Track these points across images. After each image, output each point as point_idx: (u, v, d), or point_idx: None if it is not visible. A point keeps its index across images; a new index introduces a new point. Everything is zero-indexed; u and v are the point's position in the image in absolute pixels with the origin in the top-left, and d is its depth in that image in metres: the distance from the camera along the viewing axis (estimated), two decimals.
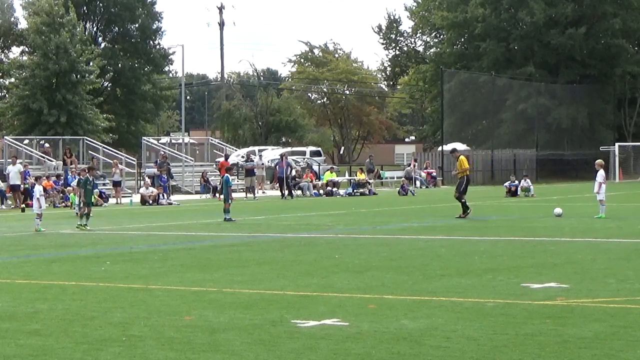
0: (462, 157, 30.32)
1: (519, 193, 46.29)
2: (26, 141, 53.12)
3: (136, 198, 45.19)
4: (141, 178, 50.75)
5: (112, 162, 49.25)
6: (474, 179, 68.95)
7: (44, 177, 44.17)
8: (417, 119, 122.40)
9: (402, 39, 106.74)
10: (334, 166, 64.99)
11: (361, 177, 53.36)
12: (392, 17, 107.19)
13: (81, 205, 27.95)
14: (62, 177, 44.75)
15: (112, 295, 13.37)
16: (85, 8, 78.39)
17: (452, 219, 28.90)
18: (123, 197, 45.64)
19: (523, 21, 79.19)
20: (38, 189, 27.68)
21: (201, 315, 11.48)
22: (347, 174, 60.80)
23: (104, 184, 47.71)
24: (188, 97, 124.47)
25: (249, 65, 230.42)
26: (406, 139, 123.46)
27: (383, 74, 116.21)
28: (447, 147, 69.97)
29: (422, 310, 11.66)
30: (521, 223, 27.23)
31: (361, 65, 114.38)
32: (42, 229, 26.10)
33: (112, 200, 44.88)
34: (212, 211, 34.58)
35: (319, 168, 60.88)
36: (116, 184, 45.99)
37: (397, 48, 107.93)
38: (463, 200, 29.29)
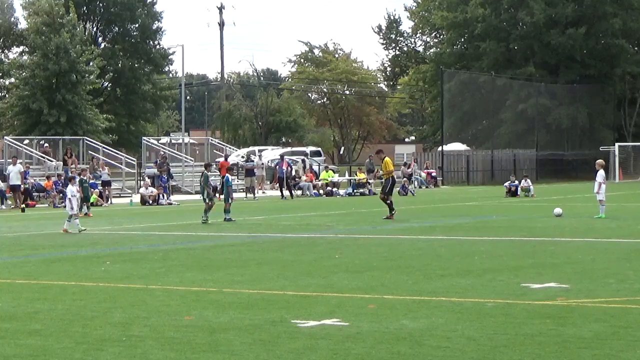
0: (387, 158, 30.35)
1: (519, 193, 46.28)
2: (26, 141, 53.08)
3: (136, 198, 45.20)
4: (141, 178, 50.76)
5: (113, 162, 49.26)
6: (474, 179, 69.23)
7: (46, 177, 44.26)
8: (417, 119, 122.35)
9: (402, 39, 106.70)
10: (331, 166, 64.90)
11: (361, 177, 53.36)
12: (392, 17, 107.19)
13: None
14: (62, 177, 44.74)
15: (112, 295, 13.37)
16: (85, 8, 78.23)
17: (452, 219, 28.89)
18: (123, 196, 45.59)
19: (523, 21, 79.18)
20: (70, 190, 26.41)
21: (201, 315, 11.48)
22: (347, 174, 60.78)
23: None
24: (188, 97, 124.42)
25: (249, 66, 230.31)
26: (406, 139, 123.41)
27: (383, 74, 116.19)
28: (447, 148, 70.15)
29: (422, 310, 11.65)
30: (521, 223, 27.21)
31: (361, 65, 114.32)
32: (82, 227, 25.55)
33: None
34: (212, 211, 34.51)
35: (319, 168, 60.86)
36: (105, 184, 45.86)
37: (397, 48, 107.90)
38: (389, 202, 29.38)
